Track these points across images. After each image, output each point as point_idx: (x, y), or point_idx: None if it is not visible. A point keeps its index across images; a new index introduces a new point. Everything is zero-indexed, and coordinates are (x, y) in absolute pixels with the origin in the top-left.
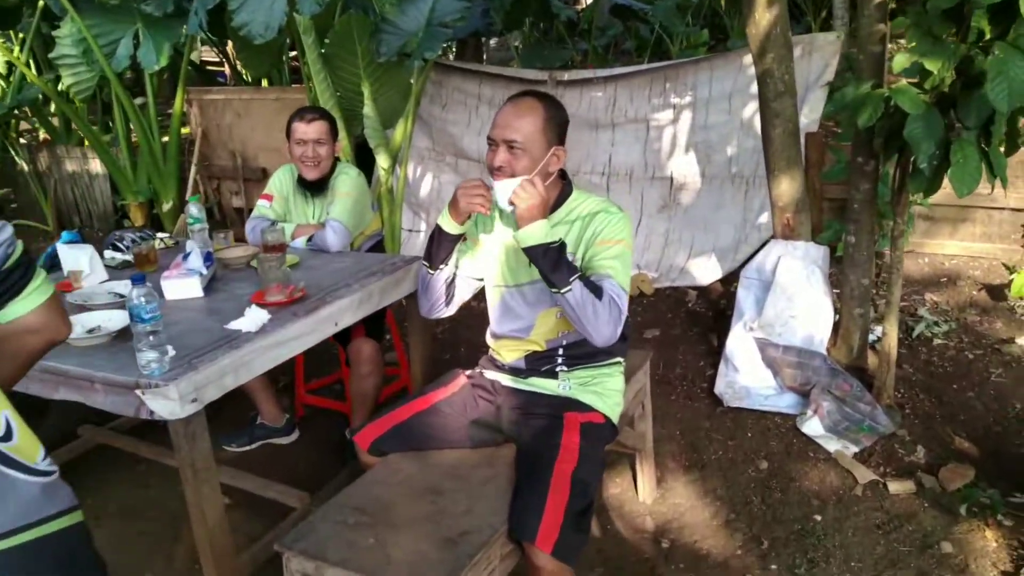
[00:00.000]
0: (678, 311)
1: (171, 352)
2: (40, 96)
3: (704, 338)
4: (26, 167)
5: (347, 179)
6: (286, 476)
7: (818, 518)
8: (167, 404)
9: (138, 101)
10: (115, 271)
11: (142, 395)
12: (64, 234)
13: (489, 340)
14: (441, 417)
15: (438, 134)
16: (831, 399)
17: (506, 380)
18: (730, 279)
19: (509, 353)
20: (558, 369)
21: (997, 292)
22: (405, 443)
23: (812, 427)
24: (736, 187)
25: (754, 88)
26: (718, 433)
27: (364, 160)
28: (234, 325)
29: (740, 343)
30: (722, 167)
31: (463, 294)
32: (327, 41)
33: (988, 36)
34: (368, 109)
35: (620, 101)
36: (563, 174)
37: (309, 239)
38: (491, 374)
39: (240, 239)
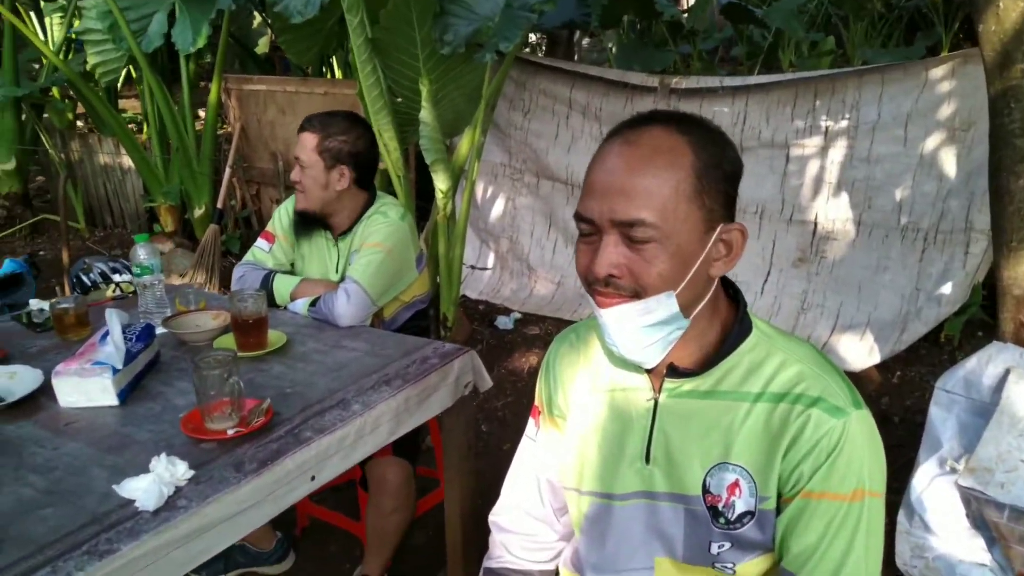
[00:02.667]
0: None
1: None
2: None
3: None
4: (57, 158)
5: (383, 225)
6: None
7: None
8: None
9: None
10: (34, 334)
11: None
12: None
13: (567, 572)
14: None
15: (517, 147)
16: None
17: None
18: (892, 366)
19: None
20: None
21: None
22: None
23: None
24: (907, 243)
25: (942, 112)
26: None
27: (427, 180)
28: (127, 490)
29: (934, 489)
30: (888, 215)
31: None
32: (378, 24)
33: None
34: (426, 114)
35: (752, 119)
36: (731, 288)
37: (312, 302)
38: None
39: None
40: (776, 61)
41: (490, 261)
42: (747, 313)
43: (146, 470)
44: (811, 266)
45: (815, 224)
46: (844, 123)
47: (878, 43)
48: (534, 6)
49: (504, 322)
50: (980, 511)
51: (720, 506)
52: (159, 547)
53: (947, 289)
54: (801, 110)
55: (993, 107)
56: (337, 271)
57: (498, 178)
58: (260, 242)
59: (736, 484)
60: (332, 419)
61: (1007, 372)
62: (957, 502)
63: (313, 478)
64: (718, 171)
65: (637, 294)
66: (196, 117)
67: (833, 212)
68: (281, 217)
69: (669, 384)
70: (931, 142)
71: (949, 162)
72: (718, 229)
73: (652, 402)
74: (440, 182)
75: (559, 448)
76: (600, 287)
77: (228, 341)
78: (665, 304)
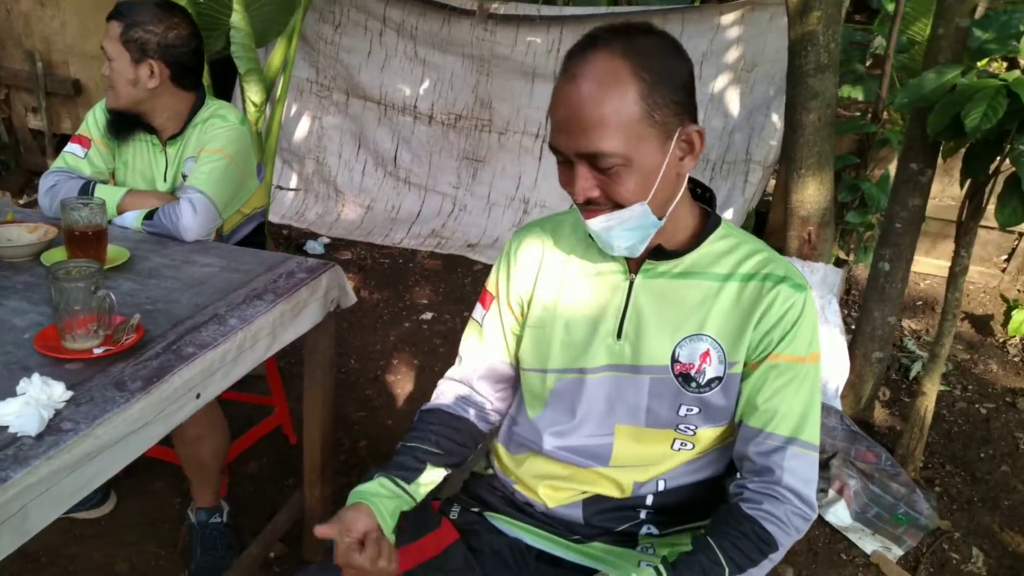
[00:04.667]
0: None
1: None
2: None
3: None
4: None
5: (223, 129)
6: None
7: None
8: None
9: None
10: None
11: None
12: None
13: (507, 453)
14: None
15: (326, 62)
16: (856, 474)
17: (540, 541)
18: None
19: (552, 491)
20: (642, 532)
21: (982, 325)
22: None
23: (838, 515)
24: (698, 172)
25: (731, 54)
26: None
27: (222, 90)
28: None
29: None
30: None
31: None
32: None
33: None
34: (238, 18)
35: (565, 47)
36: (700, 187)
37: (148, 215)
38: (505, 524)
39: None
40: None
41: (293, 182)
42: (716, 213)
43: (5, 396)
44: None
45: None
46: None
47: None
48: None
49: (313, 247)
50: None
51: (692, 372)
52: (52, 473)
53: (729, 215)
54: None
55: (792, 49)
56: (166, 179)
57: (303, 95)
58: (72, 146)
59: (707, 353)
60: (211, 334)
61: None
62: None
63: (198, 396)
64: (665, 86)
65: (616, 205)
66: None
67: None
68: (96, 119)
69: (647, 265)
70: (720, 81)
71: (734, 100)
72: (675, 136)
73: (628, 282)
74: (253, 94)
75: (515, 331)
76: (582, 204)
77: (57, 256)
78: (640, 212)
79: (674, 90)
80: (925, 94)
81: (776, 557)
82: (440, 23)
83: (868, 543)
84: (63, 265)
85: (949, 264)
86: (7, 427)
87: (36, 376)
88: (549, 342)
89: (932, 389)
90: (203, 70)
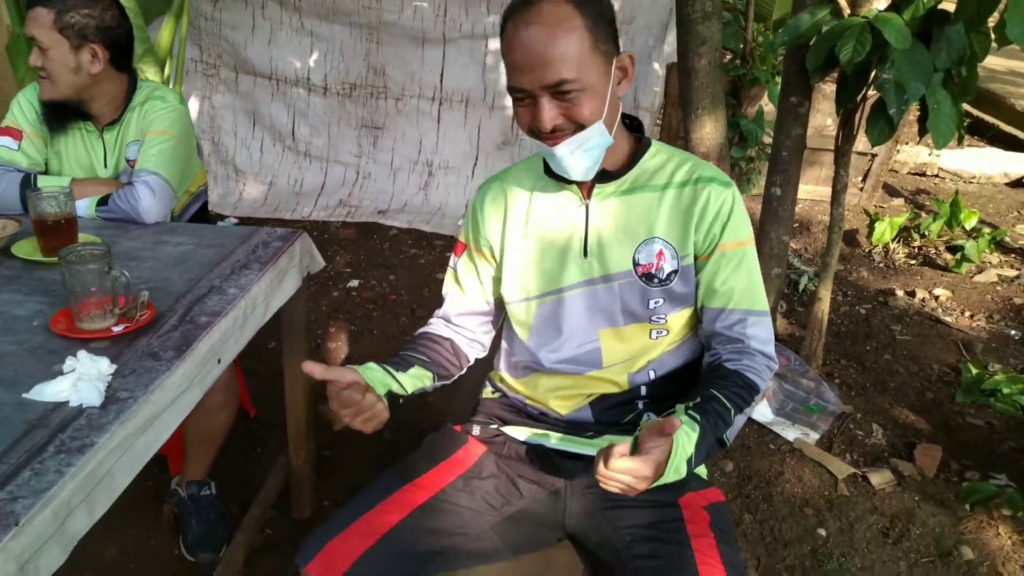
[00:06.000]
0: None
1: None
2: None
3: None
4: None
5: (165, 110)
6: None
7: (822, 532)
8: None
9: None
10: None
11: None
12: None
13: (511, 377)
14: (452, 516)
15: (209, 40)
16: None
17: (560, 443)
18: None
19: (562, 400)
20: (643, 420)
21: (850, 238)
22: (397, 570)
23: (762, 412)
24: None
25: (620, 10)
26: None
27: None
28: (50, 394)
29: None
30: None
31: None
32: None
33: None
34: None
35: (452, 11)
36: (628, 118)
37: (100, 201)
38: (524, 432)
39: None
40: None
41: None
42: (645, 134)
43: (44, 378)
44: (513, 148)
45: None
46: None
47: None
48: None
49: (224, 227)
50: None
51: (653, 270)
52: (127, 436)
53: None
54: (496, 3)
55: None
56: (106, 166)
57: (189, 75)
58: (3, 139)
59: (661, 252)
60: (218, 303)
61: None
62: None
63: (219, 361)
64: (602, 19)
65: (578, 128)
66: None
67: None
68: (23, 109)
69: (597, 190)
70: None
71: None
72: (614, 62)
73: (584, 207)
74: (150, 75)
75: (488, 273)
76: (547, 135)
77: (27, 247)
78: (598, 131)
79: (607, 24)
80: (801, 33)
81: (757, 400)
82: None
83: (790, 432)
84: (72, 250)
85: (816, 187)
86: (66, 402)
87: (83, 353)
88: (528, 273)
89: (826, 295)
90: (133, 52)
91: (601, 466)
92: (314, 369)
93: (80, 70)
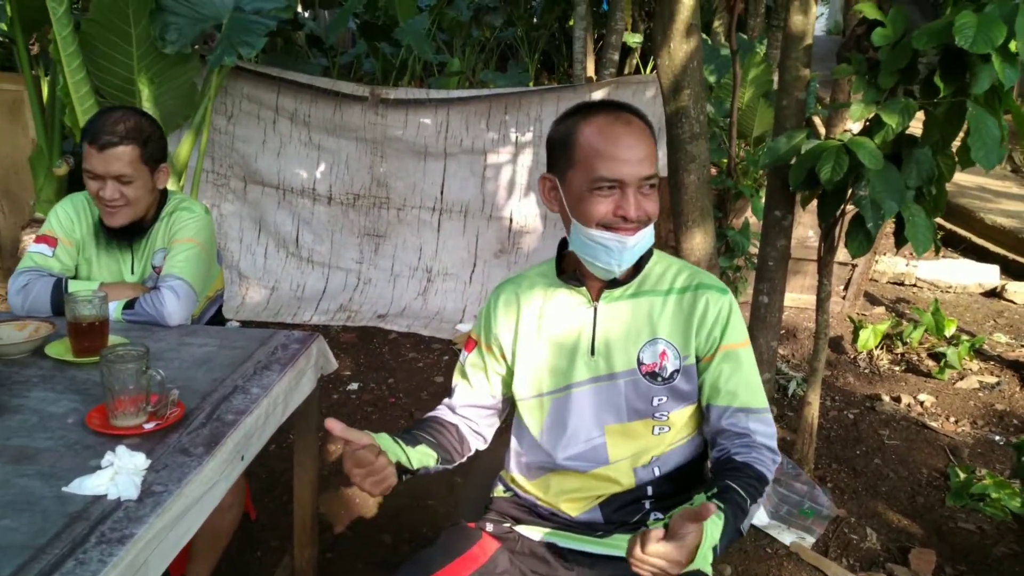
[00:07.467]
0: None
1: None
2: None
3: None
4: None
5: (191, 220)
6: None
7: None
8: None
9: None
10: None
11: None
12: None
13: (523, 478)
14: None
15: (221, 152)
16: None
17: (572, 542)
18: None
19: (572, 503)
20: (650, 519)
21: (835, 344)
22: None
23: (758, 515)
24: None
25: None
26: None
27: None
28: (89, 488)
29: None
30: None
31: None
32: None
33: (943, 93)
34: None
35: (454, 128)
36: None
37: (127, 305)
38: (537, 532)
39: None
40: (416, 78)
41: None
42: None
43: (81, 472)
44: (509, 256)
45: (511, 220)
46: (529, 134)
47: (486, 66)
48: (270, 12)
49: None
50: None
51: (656, 370)
52: (162, 528)
53: None
54: (495, 121)
55: (670, 121)
56: (133, 272)
57: (200, 183)
58: (39, 246)
59: (664, 352)
60: (243, 402)
61: None
62: None
63: (243, 458)
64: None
65: (648, 222)
66: None
67: (524, 209)
68: (60, 219)
69: (606, 293)
70: None
71: None
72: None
73: (593, 309)
74: (170, 185)
75: (495, 370)
76: (623, 225)
77: (59, 347)
78: (651, 228)
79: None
80: (781, 155)
81: (768, 491)
82: (332, 110)
83: (786, 536)
84: (112, 350)
85: (800, 295)
86: (105, 495)
87: (121, 448)
88: (541, 371)
89: (815, 400)
90: None
91: (637, 549)
92: (335, 427)
93: (155, 191)
